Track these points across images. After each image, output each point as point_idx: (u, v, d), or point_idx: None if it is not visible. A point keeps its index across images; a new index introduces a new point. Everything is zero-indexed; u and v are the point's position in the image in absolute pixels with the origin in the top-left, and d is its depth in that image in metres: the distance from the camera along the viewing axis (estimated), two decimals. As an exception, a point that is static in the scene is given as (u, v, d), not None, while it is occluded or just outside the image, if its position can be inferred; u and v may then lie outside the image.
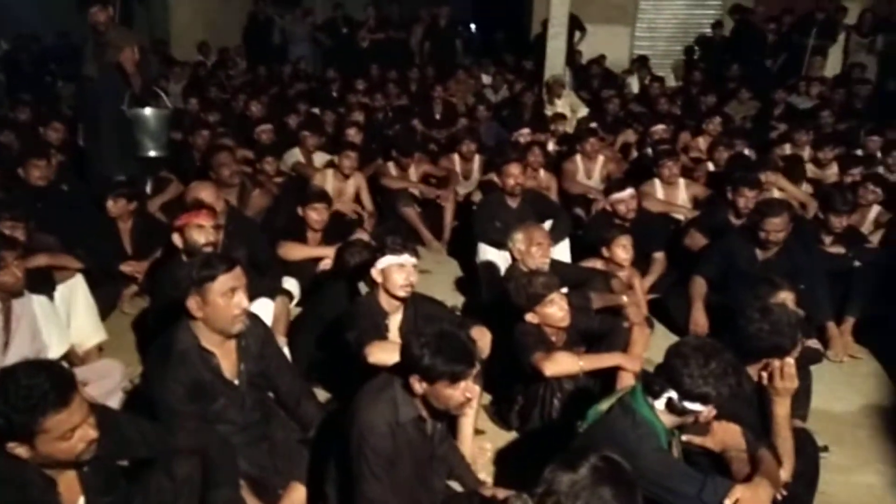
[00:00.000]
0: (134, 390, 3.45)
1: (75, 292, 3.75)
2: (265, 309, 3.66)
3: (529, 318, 3.29)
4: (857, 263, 4.45)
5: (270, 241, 4.55)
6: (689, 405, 2.16)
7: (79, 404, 1.98)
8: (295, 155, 6.29)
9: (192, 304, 2.51)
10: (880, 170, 5.85)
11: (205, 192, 4.03)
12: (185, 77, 9.81)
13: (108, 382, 3.28)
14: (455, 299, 5.03)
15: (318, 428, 2.85)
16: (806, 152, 6.29)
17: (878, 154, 6.25)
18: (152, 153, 5.32)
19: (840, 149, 6.43)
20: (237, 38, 11.88)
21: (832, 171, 5.97)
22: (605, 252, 4.40)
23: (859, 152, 6.45)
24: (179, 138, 6.55)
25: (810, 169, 6.06)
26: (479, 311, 4.33)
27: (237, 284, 2.54)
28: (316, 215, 4.56)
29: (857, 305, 4.36)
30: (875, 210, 5.09)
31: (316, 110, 8.15)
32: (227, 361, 2.63)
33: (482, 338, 3.29)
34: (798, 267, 4.13)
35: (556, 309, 3.29)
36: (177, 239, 3.53)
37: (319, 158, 6.31)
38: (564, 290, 3.82)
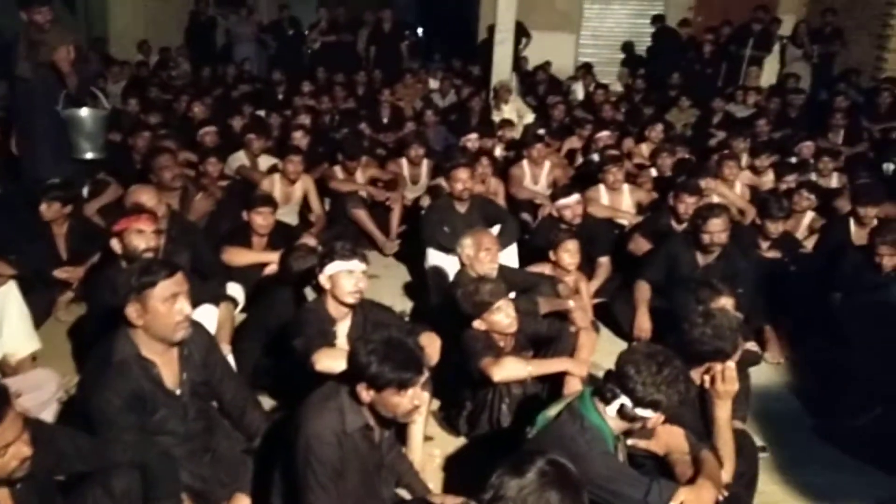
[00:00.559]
0: (70, 401, 3.32)
1: (7, 299, 3.61)
2: (209, 316, 3.57)
3: (477, 324, 3.30)
4: (792, 268, 4.60)
5: (214, 246, 4.46)
6: (640, 412, 2.19)
7: (12, 420, 1.90)
8: (240, 158, 6.18)
9: (132, 311, 2.43)
10: (813, 176, 6.06)
11: (145, 196, 3.92)
12: (125, 77, 9.57)
13: (42, 393, 3.15)
14: (404, 304, 5.01)
15: (263, 437, 2.80)
16: (743, 159, 6.48)
17: (811, 161, 6.47)
18: (89, 155, 5.14)
19: (776, 156, 6.65)
20: (179, 37, 11.63)
21: (768, 178, 6.16)
22: (552, 256, 4.45)
23: (794, 160, 6.67)
24: (119, 140, 6.36)
25: (747, 176, 6.25)
26: (428, 316, 4.33)
27: (179, 290, 2.47)
28: (261, 219, 4.48)
29: (793, 308, 4.50)
30: (809, 216, 5.28)
31: (261, 113, 8.03)
32: (169, 371, 2.56)
33: (431, 343, 3.27)
34: (737, 271, 4.24)
35: (503, 316, 3.29)
36: (115, 244, 3.42)
37: (265, 162, 6.22)
38: (512, 294, 3.85)
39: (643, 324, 4.27)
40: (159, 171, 4.85)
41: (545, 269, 4.48)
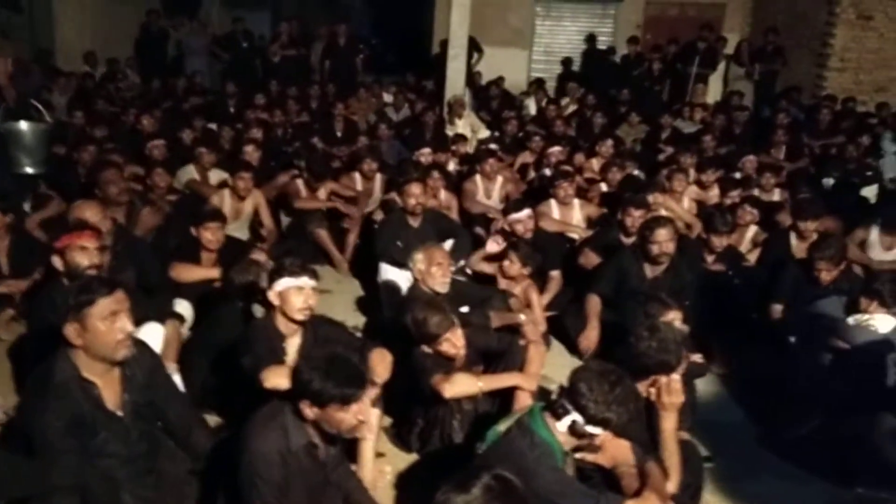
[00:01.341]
0: (9, 423, 3.22)
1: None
2: (154, 334, 3.49)
3: (425, 349, 3.29)
4: (736, 280, 4.71)
5: (162, 262, 4.37)
6: (591, 429, 2.22)
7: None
8: (189, 172, 6.09)
9: (71, 331, 2.37)
10: (756, 191, 6.24)
11: (89, 212, 3.83)
12: (71, 89, 9.33)
13: (-21, 416, 3.06)
14: (356, 319, 4.99)
15: (208, 457, 2.74)
16: (690, 174, 6.63)
17: (754, 176, 6.67)
18: (28, 170, 5.00)
19: (721, 171, 6.83)
20: (129, 49, 11.42)
21: (714, 193, 6.32)
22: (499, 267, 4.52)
23: (738, 175, 6.86)
24: (63, 153, 6.21)
25: (694, 190, 6.39)
26: (381, 331, 4.32)
27: (119, 308, 2.42)
28: (210, 235, 4.41)
29: (737, 320, 4.62)
30: (752, 230, 5.42)
31: (213, 126, 7.93)
32: (110, 392, 2.49)
33: (382, 360, 3.26)
34: (684, 284, 4.34)
35: (449, 346, 3.27)
36: (57, 262, 3.33)
37: (216, 176, 6.13)
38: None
39: (591, 336, 4.33)
40: (104, 186, 4.74)
41: (502, 282, 4.54)
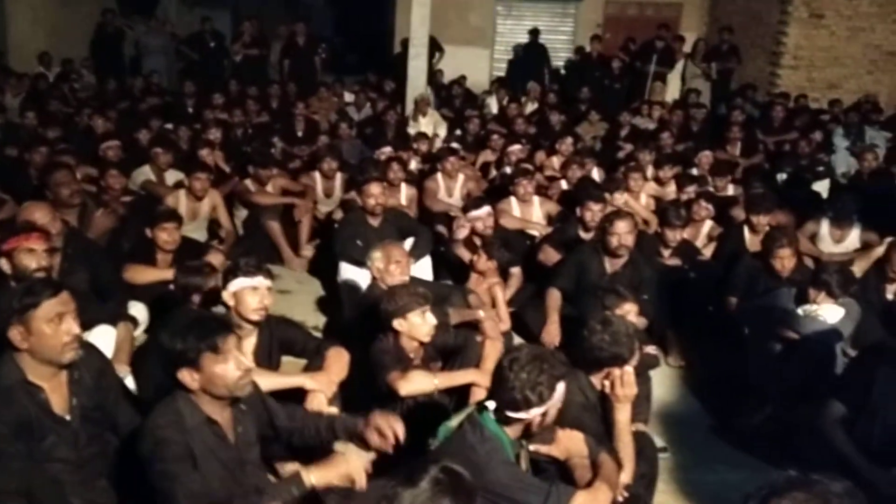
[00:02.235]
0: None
1: None
2: (105, 336, 3.44)
3: (396, 324, 3.26)
4: (692, 274, 4.79)
5: (116, 265, 4.31)
6: (512, 414, 2.23)
7: None
8: (145, 173, 6.00)
9: (15, 334, 2.33)
10: (711, 187, 6.35)
11: (38, 213, 3.75)
12: (24, 89, 9.14)
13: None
14: (316, 319, 4.97)
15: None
16: (649, 171, 6.73)
17: (708, 177, 6.78)
18: (-21, 172, 4.89)
19: (678, 168, 6.94)
20: (84, 49, 11.21)
21: (671, 189, 6.41)
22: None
23: (695, 171, 6.98)
24: (14, 155, 6.07)
25: (652, 187, 6.49)
26: (342, 331, 4.31)
27: (64, 310, 2.38)
28: (165, 236, 4.35)
29: (694, 313, 4.70)
30: (707, 225, 5.51)
31: (170, 126, 7.82)
32: (58, 396, 2.45)
33: (339, 358, 3.27)
34: (643, 278, 4.39)
35: (424, 322, 3.27)
36: (4, 265, 3.26)
37: (172, 176, 6.06)
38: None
39: (552, 330, 4.36)
40: (56, 188, 4.64)
41: (473, 279, 4.57)
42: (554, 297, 4.52)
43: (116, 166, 5.70)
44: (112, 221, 4.95)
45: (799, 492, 1.43)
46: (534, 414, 2.22)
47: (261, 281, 3.13)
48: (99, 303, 3.76)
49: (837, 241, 5.33)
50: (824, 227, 5.39)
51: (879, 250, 4.57)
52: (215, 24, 11.50)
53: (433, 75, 10.50)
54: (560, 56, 12.25)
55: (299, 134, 8.36)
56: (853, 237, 5.30)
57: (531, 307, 4.75)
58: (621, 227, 4.33)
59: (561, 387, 2.26)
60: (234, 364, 2.29)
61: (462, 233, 4.96)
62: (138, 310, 4.07)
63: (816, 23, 10.28)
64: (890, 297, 4.19)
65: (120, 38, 11.45)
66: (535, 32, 11.53)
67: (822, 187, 6.96)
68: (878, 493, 3.05)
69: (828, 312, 3.98)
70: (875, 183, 6.78)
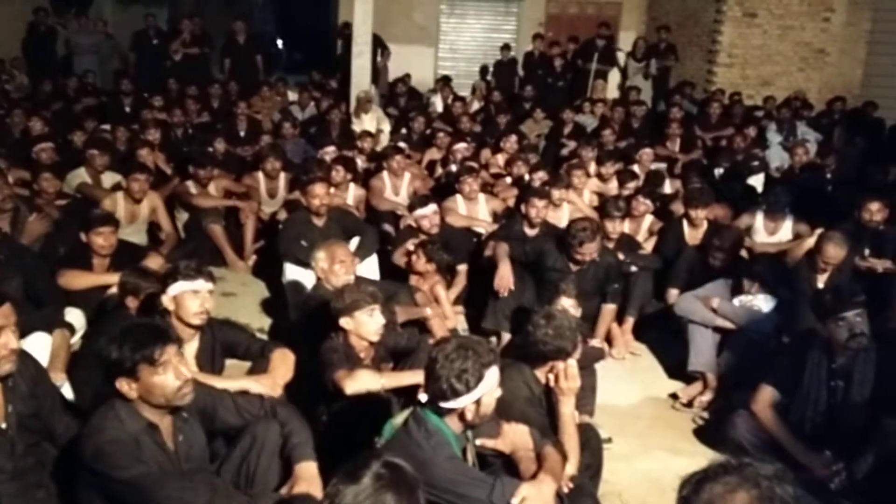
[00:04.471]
0: None
1: None
2: (41, 344, 3.34)
3: (343, 322, 3.25)
4: (633, 268, 4.90)
5: (51, 270, 4.18)
6: (443, 405, 2.24)
7: None
8: (80, 175, 5.82)
9: (-52, 346, 2.25)
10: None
11: (-33, 219, 3.62)
12: (-49, 91, 8.78)
13: None
14: (261, 321, 4.92)
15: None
16: (591, 168, 6.84)
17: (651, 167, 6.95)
18: None
19: (620, 164, 7.07)
20: (15, 48, 10.82)
21: (613, 185, 6.53)
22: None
23: (636, 167, 7.12)
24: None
25: (595, 183, 6.60)
26: (287, 332, 4.26)
27: (4, 323, 2.32)
28: (102, 240, 4.23)
29: (635, 306, 4.81)
30: (648, 220, 5.64)
31: (106, 127, 7.61)
32: (-8, 406, 2.38)
33: (284, 360, 3.23)
34: (608, 264, 4.52)
35: (372, 321, 3.26)
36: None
37: (109, 179, 5.90)
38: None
39: (504, 274, 4.43)
40: (-14, 192, 4.48)
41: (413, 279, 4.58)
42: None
43: (50, 169, 5.52)
44: (46, 226, 4.79)
45: (731, 476, 1.49)
46: (464, 403, 2.22)
47: (202, 284, 3.08)
48: (33, 309, 3.64)
49: (771, 234, 5.51)
50: (759, 219, 5.56)
51: (810, 241, 4.74)
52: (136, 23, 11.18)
53: (377, 74, 10.46)
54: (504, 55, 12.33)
55: (241, 134, 8.23)
56: (786, 229, 5.48)
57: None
58: (590, 248, 4.35)
59: (490, 374, 2.25)
60: (174, 374, 2.27)
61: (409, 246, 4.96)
62: (75, 316, 3.95)
63: (749, 21, 10.59)
64: (820, 285, 4.34)
65: (52, 37, 11.08)
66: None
67: (757, 181, 7.18)
68: (811, 475, 3.19)
69: (762, 302, 4.13)
70: (806, 177, 7.03)
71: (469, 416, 2.26)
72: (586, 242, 4.34)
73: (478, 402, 2.25)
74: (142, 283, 3.40)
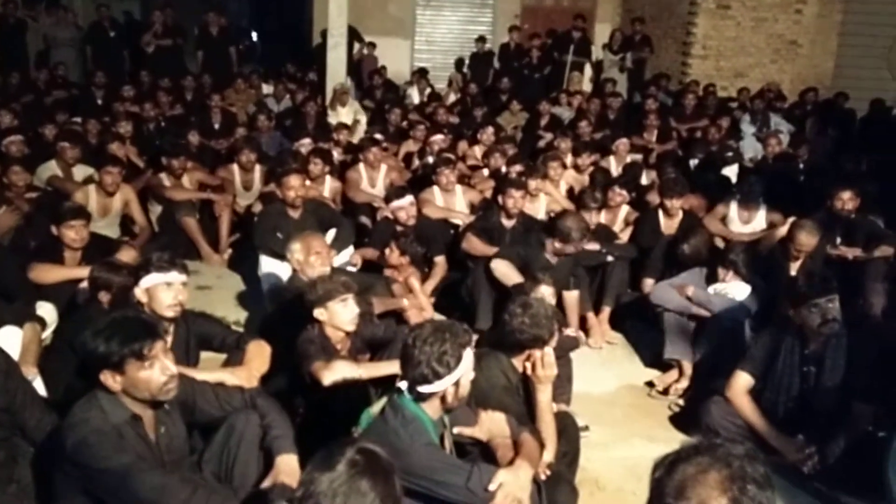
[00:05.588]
0: None
1: None
2: (12, 338, 3.28)
3: (318, 313, 3.23)
4: (609, 258, 4.92)
5: (22, 264, 4.11)
6: (424, 389, 2.24)
7: None
8: (51, 168, 5.74)
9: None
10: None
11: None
12: (-84, 84, 8.60)
13: None
14: (237, 314, 4.88)
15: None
16: (568, 159, 6.86)
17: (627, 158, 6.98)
18: None
19: (596, 155, 7.10)
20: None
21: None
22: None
23: (612, 158, 7.16)
24: None
25: (571, 175, 6.62)
26: (263, 324, 4.23)
27: None
28: (73, 234, 4.16)
29: (612, 296, 4.84)
30: (624, 210, 5.67)
31: (78, 119, 7.50)
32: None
33: (260, 352, 3.21)
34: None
35: (347, 310, 3.25)
36: None
37: (81, 172, 5.82)
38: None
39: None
40: (-48, 186, 4.40)
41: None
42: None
43: (20, 162, 5.44)
44: (16, 219, 4.72)
45: (702, 456, 1.50)
46: (445, 384, 2.23)
47: (175, 276, 3.05)
48: (4, 303, 3.58)
49: (745, 223, 5.57)
50: (733, 209, 5.62)
51: (783, 230, 4.80)
52: (128, 15, 11.02)
53: (353, 66, 10.40)
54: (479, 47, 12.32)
55: (216, 126, 8.15)
56: (760, 218, 5.54)
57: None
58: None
59: (467, 354, 2.27)
60: (160, 370, 2.26)
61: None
62: (46, 310, 3.89)
63: (724, 13, 10.68)
64: (793, 273, 4.40)
65: (22, 29, 10.86)
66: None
67: (731, 172, 7.25)
68: (785, 459, 3.24)
69: (736, 290, 4.17)
70: (779, 167, 7.11)
71: (449, 398, 2.27)
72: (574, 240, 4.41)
73: (457, 384, 2.26)
74: (113, 277, 3.37)
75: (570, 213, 4.73)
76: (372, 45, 11.18)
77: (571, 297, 4.59)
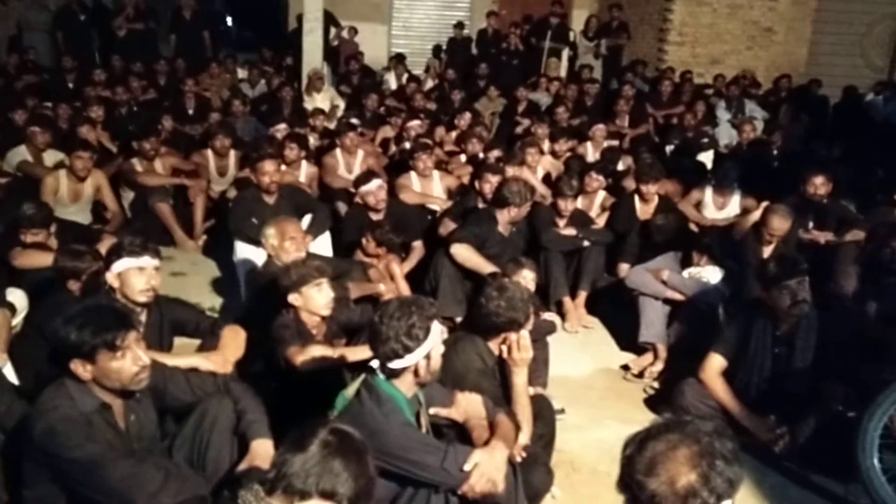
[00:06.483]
0: None
1: None
2: (-20, 325, 3.23)
3: (292, 299, 3.22)
4: (586, 243, 4.95)
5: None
6: (395, 365, 2.24)
7: None
8: (21, 153, 5.64)
9: None
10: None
11: None
12: None
13: None
14: (212, 301, 4.84)
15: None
16: (545, 145, 6.86)
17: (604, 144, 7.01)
18: None
19: (573, 141, 7.11)
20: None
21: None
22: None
23: (589, 144, 7.18)
24: None
25: (549, 160, 6.63)
26: (240, 310, 4.21)
27: None
28: (32, 239, 4.04)
29: (588, 280, 4.87)
30: (601, 195, 5.69)
31: (48, 104, 7.37)
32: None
33: (235, 337, 3.18)
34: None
35: (322, 295, 3.24)
36: None
37: (51, 157, 5.72)
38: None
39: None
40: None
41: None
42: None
43: (-11, 148, 5.34)
44: (-16, 205, 4.63)
45: (672, 433, 1.52)
46: (416, 358, 2.23)
47: (147, 261, 3.01)
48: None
49: (720, 208, 5.62)
50: (708, 194, 5.66)
51: (756, 214, 4.85)
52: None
53: (330, 51, 10.31)
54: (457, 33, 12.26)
55: (190, 112, 8.04)
56: (734, 203, 5.59)
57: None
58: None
59: (435, 326, 2.27)
60: (131, 360, 2.24)
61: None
62: (17, 297, 3.82)
63: (700, 0, 10.71)
64: (765, 256, 4.45)
65: (-9, 13, 10.63)
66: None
67: (706, 157, 7.29)
68: (756, 439, 3.29)
69: (710, 274, 4.21)
70: (753, 153, 7.17)
71: (422, 372, 2.27)
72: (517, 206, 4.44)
73: (428, 357, 2.26)
74: (79, 265, 3.32)
75: (511, 179, 4.75)
76: (354, 30, 11.07)
77: None
